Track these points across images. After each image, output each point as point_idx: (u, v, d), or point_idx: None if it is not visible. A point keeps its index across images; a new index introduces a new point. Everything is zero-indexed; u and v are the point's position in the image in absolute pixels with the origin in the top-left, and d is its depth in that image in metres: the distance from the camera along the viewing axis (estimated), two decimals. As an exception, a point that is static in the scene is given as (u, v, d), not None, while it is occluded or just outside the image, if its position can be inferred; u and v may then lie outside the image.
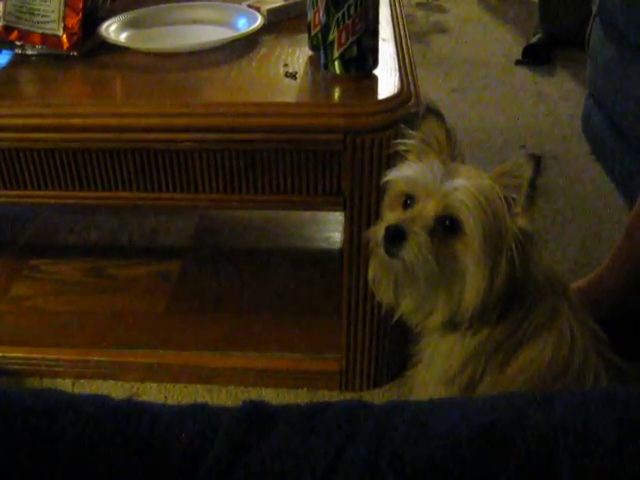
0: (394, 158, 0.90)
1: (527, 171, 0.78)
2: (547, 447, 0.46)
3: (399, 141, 0.89)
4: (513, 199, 0.80)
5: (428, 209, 0.80)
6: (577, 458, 0.45)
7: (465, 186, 0.79)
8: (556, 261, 1.52)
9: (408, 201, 0.84)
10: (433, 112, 0.86)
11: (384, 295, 0.90)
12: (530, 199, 0.79)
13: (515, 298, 0.84)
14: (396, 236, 0.80)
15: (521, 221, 0.80)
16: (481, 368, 0.88)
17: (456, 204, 0.79)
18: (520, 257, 0.80)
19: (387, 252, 0.81)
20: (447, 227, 0.80)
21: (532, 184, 0.78)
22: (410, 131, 0.88)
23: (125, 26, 1.23)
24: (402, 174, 0.85)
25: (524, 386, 0.87)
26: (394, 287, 0.88)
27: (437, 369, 0.93)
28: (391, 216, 0.85)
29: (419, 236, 0.79)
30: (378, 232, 0.82)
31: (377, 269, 0.89)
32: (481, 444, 0.47)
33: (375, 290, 0.91)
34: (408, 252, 0.79)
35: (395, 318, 0.92)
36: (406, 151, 0.88)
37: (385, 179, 0.88)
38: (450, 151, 0.84)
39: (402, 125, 0.90)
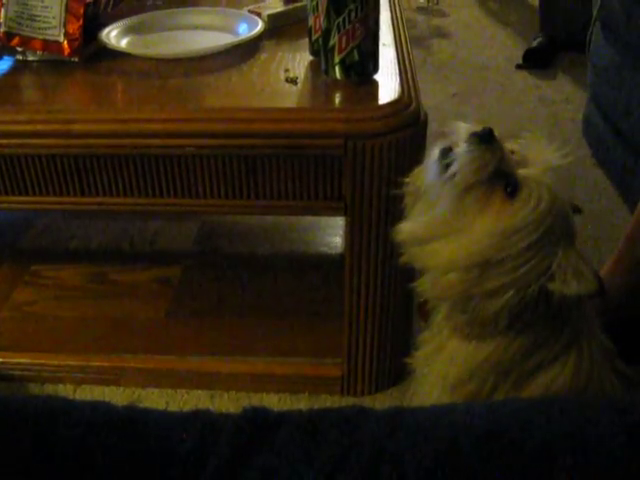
0: None
1: (582, 287, 0.75)
2: (549, 453, 0.46)
3: None
4: (554, 276, 0.76)
5: (521, 165, 0.77)
6: (579, 464, 0.45)
7: (558, 200, 0.76)
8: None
9: (513, 153, 0.80)
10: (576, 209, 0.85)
11: (411, 190, 0.86)
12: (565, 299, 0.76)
13: (532, 320, 0.80)
14: (489, 137, 0.76)
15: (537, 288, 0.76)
16: (488, 388, 0.85)
17: (535, 191, 0.75)
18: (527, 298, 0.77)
19: (444, 154, 0.78)
20: (510, 191, 0.76)
21: (573, 300, 0.76)
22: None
23: (126, 32, 1.23)
24: (541, 146, 0.82)
25: None
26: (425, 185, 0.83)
27: (440, 366, 0.90)
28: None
29: (493, 157, 0.75)
30: (473, 129, 0.78)
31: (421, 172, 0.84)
32: (483, 450, 0.47)
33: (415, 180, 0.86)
34: (470, 156, 0.75)
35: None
36: None
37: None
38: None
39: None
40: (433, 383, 0.92)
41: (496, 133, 0.78)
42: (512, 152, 0.81)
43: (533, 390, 0.84)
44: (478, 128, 0.78)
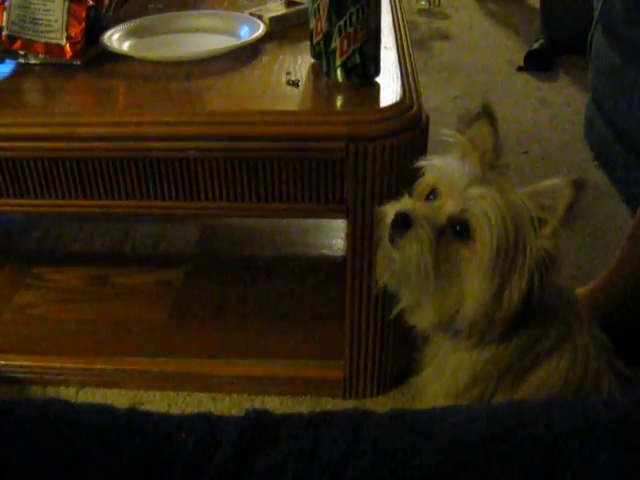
0: (438, 147, 0.88)
1: (566, 195, 0.76)
2: (549, 456, 0.46)
3: (448, 132, 0.86)
4: (544, 220, 0.78)
5: (445, 208, 0.78)
6: (578, 467, 0.45)
7: (492, 197, 0.77)
8: (559, 267, 1.51)
9: (431, 196, 0.82)
10: (488, 115, 0.84)
11: (388, 280, 0.88)
12: (564, 223, 0.77)
13: (528, 317, 0.82)
14: (402, 224, 0.78)
15: (548, 242, 0.78)
16: (491, 388, 0.87)
17: (475, 212, 0.77)
18: (541, 278, 0.78)
19: (390, 239, 0.80)
20: (458, 232, 0.78)
21: (570, 209, 0.77)
22: (462, 128, 0.85)
23: (128, 35, 1.24)
24: (433, 166, 0.83)
25: None
26: (395, 279, 0.86)
27: (444, 382, 0.91)
28: (408, 202, 0.82)
29: (423, 231, 0.77)
30: (388, 215, 0.80)
31: (383, 252, 0.86)
32: (483, 454, 0.47)
33: (378, 275, 0.89)
34: (407, 244, 0.77)
35: (396, 310, 0.89)
36: (451, 145, 0.85)
37: (416, 164, 0.85)
38: (493, 159, 0.82)
39: (459, 121, 0.87)
40: (437, 392, 0.93)
41: (409, 210, 0.79)
42: (431, 193, 0.82)
43: (531, 385, 0.86)
44: (397, 207, 0.80)
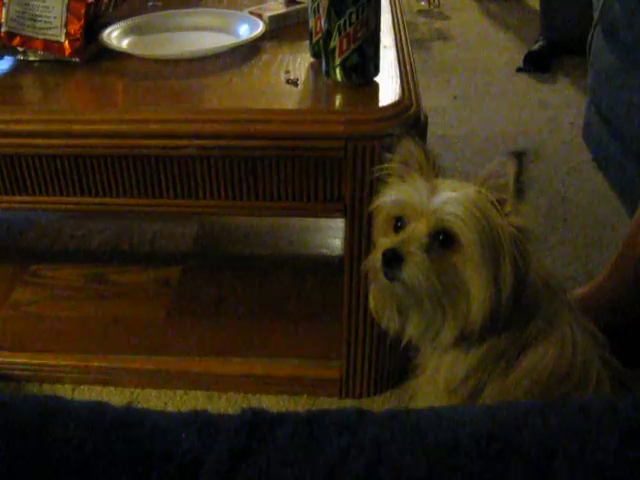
0: (377, 184, 0.91)
1: (511, 169, 0.79)
2: (546, 456, 0.46)
3: (379, 167, 0.89)
4: (503, 200, 0.80)
5: (420, 227, 0.81)
6: (576, 467, 0.45)
7: (453, 198, 0.80)
8: (557, 268, 1.51)
9: (399, 223, 0.84)
10: (407, 133, 0.87)
11: (389, 323, 0.90)
12: (518, 195, 0.80)
13: (517, 304, 0.84)
14: (393, 259, 0.80)
15: (514, 219, 0.80)
16: (485, 376, 0.88)
17: (447, 217, 0.79)
18: (521, 255, 0.80)
19: (387, 277, 0.81)
20: (442, 242, 0.80)
21: (517, 180, 0.79)
22: (388, 154, 0.88)
23: (127, 32, 1.23)
24: (389, 198, 0.85)
25: (528, 391, 0.86)
26: (398, 313, 0.88)
27: (441, 380, 0.92)
28: (385, 241, 0.85)
29: (416, 256, 0.79)
30: (375, 259, 0.83)
31: (378, 297, 0.89)
32: (480, 453, 0.47)
33: (379, 319, 0.91)
34: (408, 273, 0.79)
35: (403, 343, 0.91)
36: (388, 175, 0.88)
37: (372, 206, 0.89)
38: (431, 168, 0.85)
39: (382, 149, 0.89)
40: (434, 390, 0.94)
41: (394, 244, 0.81)
42: (399, 221, 0.85)
43: (521, 371, 0.87)
44: (382, 247, 0.82)
